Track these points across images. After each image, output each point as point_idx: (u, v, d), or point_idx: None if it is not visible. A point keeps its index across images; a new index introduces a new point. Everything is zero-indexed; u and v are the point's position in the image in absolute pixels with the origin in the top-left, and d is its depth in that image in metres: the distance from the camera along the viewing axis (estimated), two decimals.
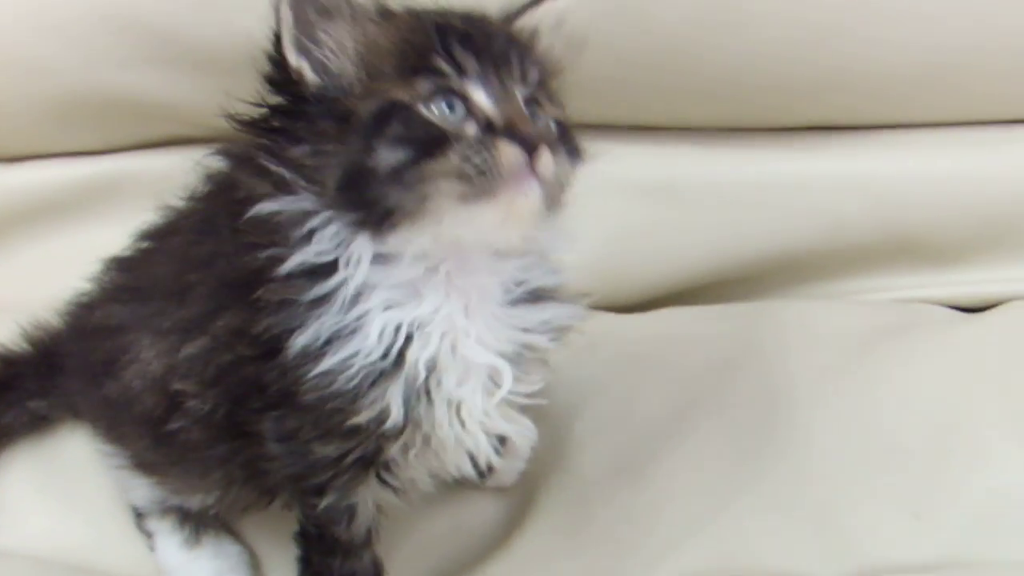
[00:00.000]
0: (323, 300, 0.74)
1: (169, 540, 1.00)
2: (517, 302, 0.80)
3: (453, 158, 0.69)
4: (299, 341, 0.74)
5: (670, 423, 1.03)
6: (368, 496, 0.85)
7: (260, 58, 0.76)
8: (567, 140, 0.77)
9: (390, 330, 0.74)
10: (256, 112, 0.76)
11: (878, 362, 1.07)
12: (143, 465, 0.95)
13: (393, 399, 0.75)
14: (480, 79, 0.72)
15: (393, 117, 0.71)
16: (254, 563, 1.01)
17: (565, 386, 1.00)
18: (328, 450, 0.79)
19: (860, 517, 0.95)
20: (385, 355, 0.74)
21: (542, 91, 0.76)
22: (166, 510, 0.99)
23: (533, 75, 0.75)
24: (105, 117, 1.21)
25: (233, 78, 1.11)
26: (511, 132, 0.70)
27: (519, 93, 0.73)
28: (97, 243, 1.14)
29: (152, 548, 1.01)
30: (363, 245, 0.73)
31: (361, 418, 0.75)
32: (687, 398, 1.04)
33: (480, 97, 0.72)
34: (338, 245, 0.73)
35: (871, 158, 1.18)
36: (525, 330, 0.80)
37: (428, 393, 0.76)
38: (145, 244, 0.93)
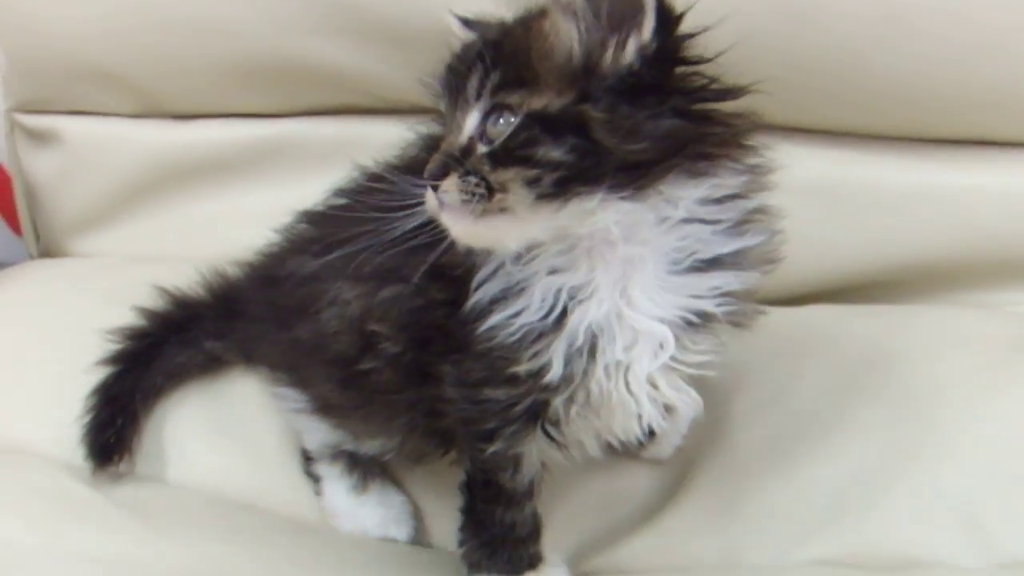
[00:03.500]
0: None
1: (337, 485, 1.04)
2: (687, 271, 0.80)
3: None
4: (474, 297, 0.80)
5: (822, 412, 1.05)
6: (533, 449, 0.88)
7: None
8: (519, 139, 0.75)
9: (551, 294, 0.79)
10: None
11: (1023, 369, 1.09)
12: (325, 408, 0.99)
13: (555, 356, 0.79)
14: (446, 107, 0.80)
15: None
16: (416, 514, 1.05)
17: (721, 368, 1.02)
18: (497, 394, 0.83)
19: (1003, 512, 0.97)
20: (546, 316, 0.79)
21: (518, 89, 0.75)
22: (336, 456, 1.04)
23: (493, 78, 0.76)
24: (281, 82, 1.26)
25: (412, 52, 1.18)
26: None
27: (474, 112, 0.77)
28: (260, 202, 1.21)
29: (318, 492, 1.05)
30: None
31: (522, 368, 0.80)
32: (838, 390, 1.07)
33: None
34: None
35: (1022, 175, 1.20)
36: (694, 296, 0.81)
37: (593, 354, 0.80)
38: (340, 200, 0.98)
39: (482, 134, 0.76)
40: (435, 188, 0.76)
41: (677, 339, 0.81)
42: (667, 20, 0.74)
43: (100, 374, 1.07)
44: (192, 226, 1.34)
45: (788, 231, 1.18)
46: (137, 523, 0.98)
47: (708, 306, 0.81)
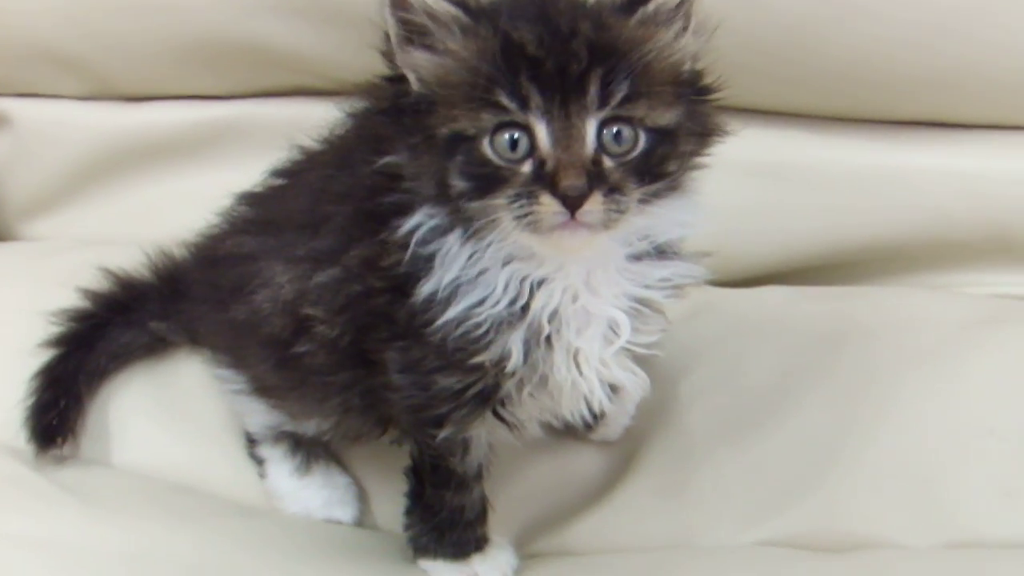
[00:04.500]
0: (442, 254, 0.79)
1: (280, 467, 1.03)
2: (640, 257, 0.82)
3: (503, 199, 0.72)
4: (425, 288, 0.78)
5: (773, 392, 1.05)
6: (482, 431, 0.88)
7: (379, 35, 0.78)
8: (656, 155, 0.74)
9: (515, 283, 0.78)
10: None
11: (974, 349, 1.09)
12: (262, 389, 0.98)
13: (515, 344, 0.79)
14: (542, 113, 0.71)
15: (459, 148, 0.73)
16: (361, 496, 1.04)
17: (671, 348, 1.02)
18: (449, 382, 0.82)
19: (953, 492, 0.98)
20: (510, 305, 0.78)
21: (639, 101, 0.72)
22: (279, 437, 1.03)
23: (621, 89, 0.71)
24: (229, 63, 1.26)
25: (357, 32, 1.17)
26: (555, 183, 0.70)
27: (592, 121, 0.72)
28: (212, 184, 1.18)
29: (262, 475, 1.04)
30: (456, 239, 0.78)
31: (483, 358, 0.79)
32: (790, 369, 1.07)
33: (541, 134, 0.71)
34: (440, 231, 0.78)
35: (975, 157, 1.20)
36: (645, 286, 0.82)
37: (548, 339, 0.80)
38: (278, 180, 0.96)
39: (601, 146, 0.72)
40: (572, 206, 0.70)
41: (630, 322, 0.82)
42: None
43: (44, 356, 1.06)
44: (144, 208, 1.33)
45: (741, 212, 1.21)
46: (80, 506, 0.96)
47: (658, 296, 0.83)
